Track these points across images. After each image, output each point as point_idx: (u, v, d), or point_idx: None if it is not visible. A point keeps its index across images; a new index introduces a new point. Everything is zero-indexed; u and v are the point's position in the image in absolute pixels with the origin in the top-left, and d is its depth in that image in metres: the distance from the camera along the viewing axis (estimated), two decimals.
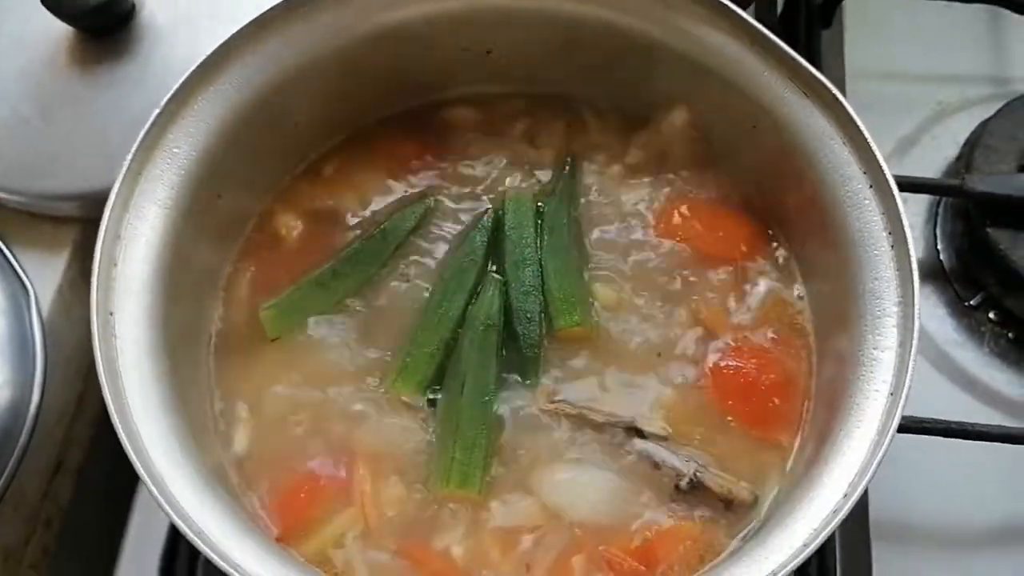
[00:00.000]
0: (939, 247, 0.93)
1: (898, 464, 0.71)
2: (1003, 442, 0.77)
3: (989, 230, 0.85)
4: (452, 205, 0.78)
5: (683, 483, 0.67)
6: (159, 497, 0.56)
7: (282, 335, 0.73)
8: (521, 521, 0.66)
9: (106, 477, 0.90)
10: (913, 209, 0.94)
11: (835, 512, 0.56)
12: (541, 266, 0.74)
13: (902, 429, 0.70)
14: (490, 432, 0.69)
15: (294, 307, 0.74)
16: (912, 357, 0.59)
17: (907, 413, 0.60)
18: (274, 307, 0.73)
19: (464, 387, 0.69)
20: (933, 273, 0.92)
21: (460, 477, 0.67)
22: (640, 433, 0.69)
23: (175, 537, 0.78)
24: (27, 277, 0.80)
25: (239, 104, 0.70)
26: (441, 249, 0.77)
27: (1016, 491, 0.83)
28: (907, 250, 0.62)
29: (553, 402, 0.70)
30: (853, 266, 0.65)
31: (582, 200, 0.78)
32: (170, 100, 0.68)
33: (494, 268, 0.75)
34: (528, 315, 0.73)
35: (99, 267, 0.63)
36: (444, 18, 0.74)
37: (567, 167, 0.79)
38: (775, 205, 0.75)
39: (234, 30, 0.70)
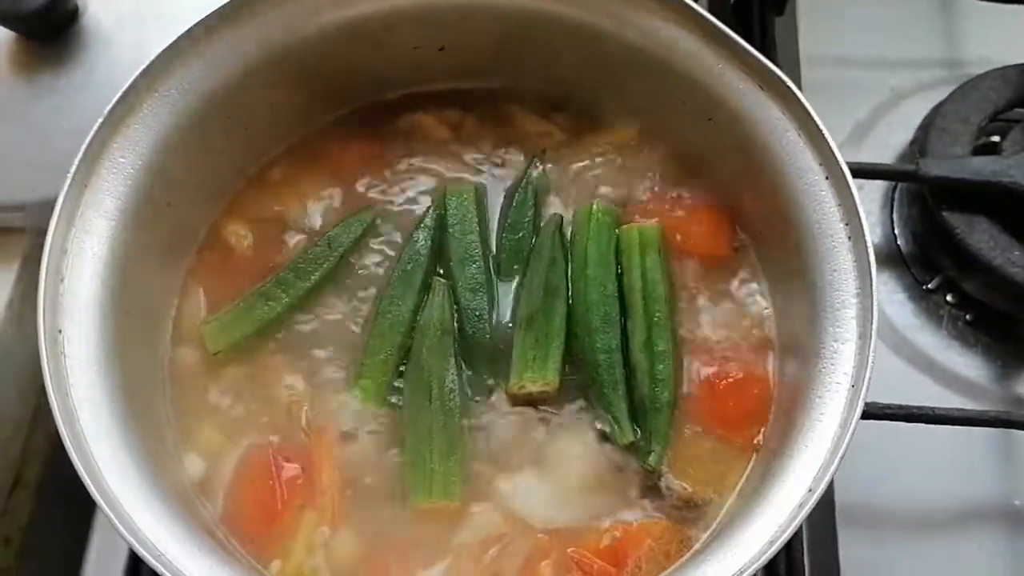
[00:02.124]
0: (896, 232, 0.94)
1: (862, 449, 0.71)
2: (965, 425, 0.78)
3: (945, 214, 0.86)
4: (398, 207, 0.77)
5: (647, 483, 0.67)
6: (115, 520, 0.55)
7: (224, 349, 0.71)
8: (487, 530, 0.66)
9: (67, 493, 0.89)
10: (870, 195, 0.95)
11: (801, 506, 0.57)
12: (486, 261, 0.74)
13: (865, 415, 0.71)
14: (463, 439, 0.69)
15: (236, 320, 0.72)
16: (872, 349, 0.60)
17: (868, 398, 0.60)
18: (215, 321, 0.72)
19: (431, 396, 0.69)
20: (891, 258, 0.93)
21: (442, 487, 0.66)
22: (603, 434, 0.69)
23: (136, 557, 0.77)
24: None
25: (186, 109, 0.69)
26: (387, 253, 0.76)
27: (977, 472, 0.84)
28: (864, 241, 0.62)
29: (516, 404, 0.70)
30: (812, 259, 0.65)
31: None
32: (113, 108, 0.66)
33: (441, 270, 0.75)
34: (477, 313, 0.72)
35: (45, 283, 0.61)
36: (397, 15, 0.73)
37: (533, 163, 0.78)
38: (735, 199, 0.75)
39: (181, 30, 0.68)
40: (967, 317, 0.90)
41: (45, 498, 0.89)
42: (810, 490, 0.57)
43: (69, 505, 0.88)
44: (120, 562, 0.77)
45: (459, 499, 0.66)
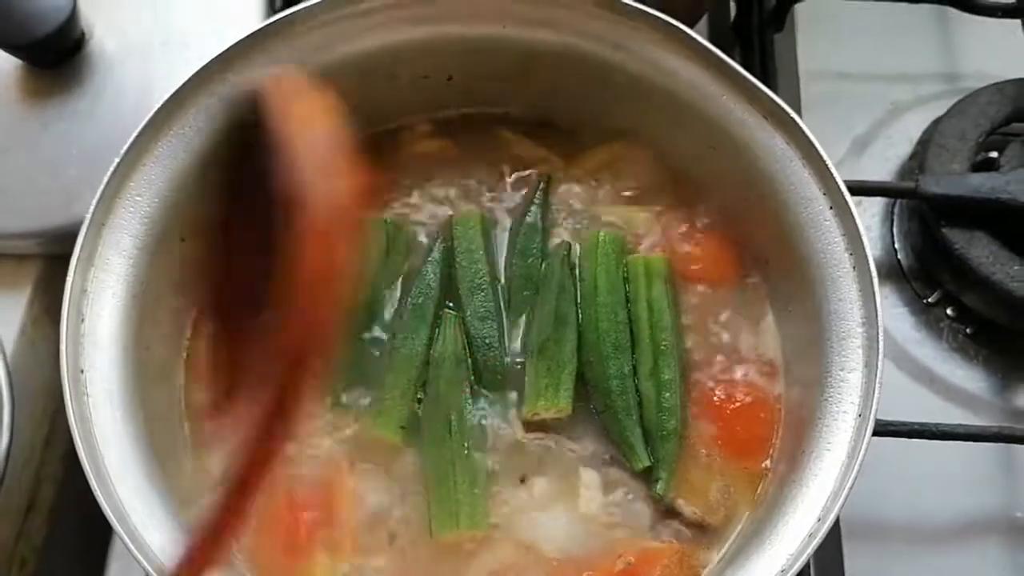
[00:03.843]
0: (896, 246, 0.95)
1: (865, 464, 0.73)
2: (967, 440, 0.79)
3: (944, 229, 0.87)
4: (405, 235, 0.78)
5: (659, 508, 0.68)
6: (141, 558, 0.56)
7: None
8: (500, 559, 0.67)
9: (81, 515, 0.90)
10: (870, 210, 0.96)
11: (811, 536, 0.58)
12: (495, 289, 0.75)
13: None
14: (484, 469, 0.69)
15: None
16: (878, 378, 0.61)
17: None
18: None
19: (451, 428, 0.69)
20: (891, 272, 0.94)
21: (468, 517, 0.67)
22: (616, 459, 0.70)
23: None
24: None
25: (201, 147, 0.69)
26: (397, 283, 0.76)
27: (979, 485, 0.85)
28: (869, 270, 0.63)
29: (529, 431, 0.71)
30: (817, 287, 0.66)
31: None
32: (129, 148, 0.66)
33: (449, 303, 0.75)
34: (487, 341, 0.73)
35: (67, 325, 0.62)
36: (408, 47, 0.74)
37: (540, 190, 0.79)
38: (739, 227, 0.76)
39: (186, 55, 0.68)
40: (967, 330, 0.91)
41: (59, 521, 0.90)
42: (819, 519, 0.58)
43: (83, 529, 0.88)
44: None
45: (487, 528, 0.67)
